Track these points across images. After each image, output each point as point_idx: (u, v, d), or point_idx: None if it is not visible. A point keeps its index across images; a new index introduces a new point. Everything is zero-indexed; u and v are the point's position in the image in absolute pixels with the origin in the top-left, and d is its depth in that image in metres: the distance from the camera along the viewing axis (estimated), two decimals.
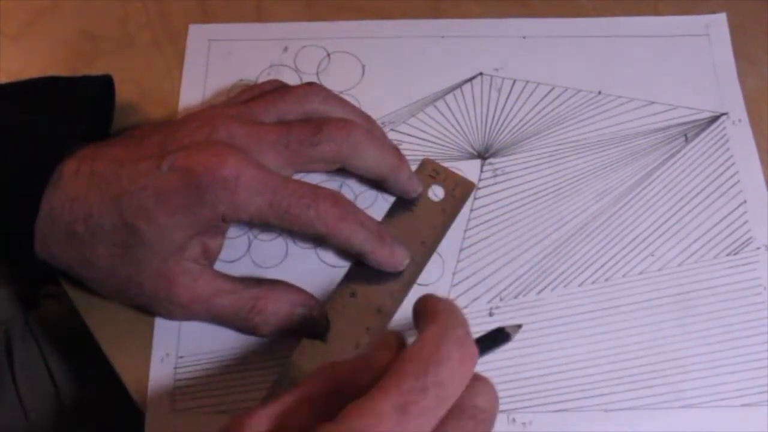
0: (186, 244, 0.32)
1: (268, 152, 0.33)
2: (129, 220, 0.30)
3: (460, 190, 0.37)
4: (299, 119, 0.34)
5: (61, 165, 0.31)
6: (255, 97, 0.36)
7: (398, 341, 0.26)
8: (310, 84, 0.36)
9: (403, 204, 0.37)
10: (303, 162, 0.34)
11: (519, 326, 0.30)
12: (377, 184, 0.37)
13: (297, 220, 0.31)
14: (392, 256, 0.34)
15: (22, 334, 0.46)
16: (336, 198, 0.32)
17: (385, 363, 0.24)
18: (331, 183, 0.38)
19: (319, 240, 0.34)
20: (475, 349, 0.24)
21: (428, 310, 0.26)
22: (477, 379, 0.25)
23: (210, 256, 0.34)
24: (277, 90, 0.36)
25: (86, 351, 0.45)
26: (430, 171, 0.37)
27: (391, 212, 0.37)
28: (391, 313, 0.34)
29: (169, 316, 0.34)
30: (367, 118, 0.37)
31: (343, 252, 0.35)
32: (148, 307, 0.34)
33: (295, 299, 0.33)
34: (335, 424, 0.22)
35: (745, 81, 0.40)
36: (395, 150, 0.36)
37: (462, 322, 0.25)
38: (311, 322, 0.33)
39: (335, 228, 0.32)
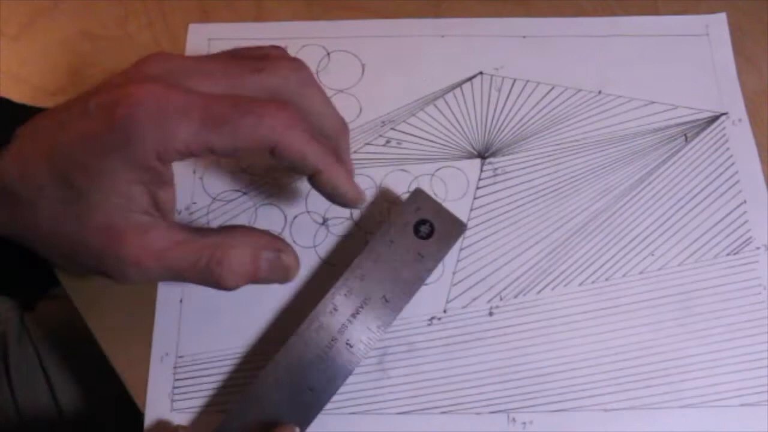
0: (129, 193, 0.28)
1: (205, 81, 0.29)
2: (62, 171, 0.27)
3: (449, 230, 0.34)
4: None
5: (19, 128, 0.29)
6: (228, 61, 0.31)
7: None
8: (293, 62, 0.31)
9: (383, 239, 0.33)
10: (245, 90, 0.29)
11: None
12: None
13: (237, 131, 0.27)
14: (350, 180, 0.30)
15: (18, 335, 0.46)
16: (283, 103, 0.28)
17: None
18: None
19: (270, 157, 0.29)
20: None
21: None
22: None
23: (163, 209, 0.29)
24: (252, 59, 0.31)
25: (82, 352, 0.45)
26: (420, 203, 0.34)
27: (371, 246, 0.33)
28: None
29: (123, 278, 0.29)
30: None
31: (294, 168, 0.29)
32: (99, 270, 0.29)
33: (259, 242, 0.30)
34: None
35: (745, 81, 0.40)
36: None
37: None
38: (280, 267, 0.30)
39: (284, 135, 0.27)
